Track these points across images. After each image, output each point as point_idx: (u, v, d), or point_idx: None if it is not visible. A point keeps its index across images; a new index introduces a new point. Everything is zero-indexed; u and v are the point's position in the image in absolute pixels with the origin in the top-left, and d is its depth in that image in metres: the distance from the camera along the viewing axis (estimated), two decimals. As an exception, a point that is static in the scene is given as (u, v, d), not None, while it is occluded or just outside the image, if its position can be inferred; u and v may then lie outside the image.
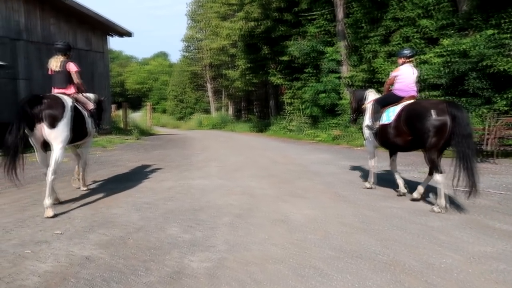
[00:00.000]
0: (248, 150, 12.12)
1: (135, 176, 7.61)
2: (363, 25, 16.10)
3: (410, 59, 5.95)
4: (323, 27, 17.70)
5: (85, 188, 6.52)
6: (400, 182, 6.07)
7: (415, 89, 5.89)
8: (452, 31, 13.74)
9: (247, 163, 9.30)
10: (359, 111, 7.22)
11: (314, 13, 17.76)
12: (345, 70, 16.39)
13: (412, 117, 5.18)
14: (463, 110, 4.88)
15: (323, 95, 16.39)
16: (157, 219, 4.81)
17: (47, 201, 4.90)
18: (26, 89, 13.11)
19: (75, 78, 5.80)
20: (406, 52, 6.01)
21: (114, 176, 7.73)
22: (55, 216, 4.85)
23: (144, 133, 19.47)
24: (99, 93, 8.39)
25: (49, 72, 5.82)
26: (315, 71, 18.07)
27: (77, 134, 5.57)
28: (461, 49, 12.04)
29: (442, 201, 4.96)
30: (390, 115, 5.69)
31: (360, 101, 7.10)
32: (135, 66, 77.58)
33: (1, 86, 12.36)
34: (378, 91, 15.48)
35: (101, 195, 6.07)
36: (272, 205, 5.48)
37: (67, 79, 5.75)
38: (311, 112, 17.18)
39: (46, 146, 5.22)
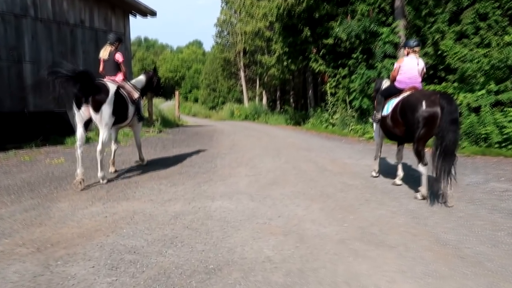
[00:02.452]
0: (287, 150, 9.88)
1: (135, 191, 5.56)
2: (427, 0, 13.34)
3: (415, 50, 5.77)
4: (376, 3, 14.99)
5: (145, 163, 7.41)
6: (400, 174, 6.14)
7: (419, 80, 5.75)
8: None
9: (287, 171, 7.08)
10: None
11: (366, -13, 15.08)
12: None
13: (405, 108, 5.26)
14: (453, 102, 4.85)
15: (376, 84, 13.80)
16: (137, 296, 2.70)
17: (100, 174, 5.93)
18: (33, 73, 11.41)
19: (122, 67, 6.57)
20: (411, 42, 5.86)
21: (108, 188, 5.72)
22: (108, 181, 6.06)
23: (169, 124, 17.63)
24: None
25: (101, 62, 6.60)
26: (364, 56, 15.44)
27: (118, 117, 6.15)
28: None
29: (424, 189, 5.13)
30: (389, 107, 5.73)
31: (378, 90, 6.74)
32: (168, 54, 76.67)
33: (2, 69, 10.71)
34: (445, 79, 12.89)
35: (72, 226, 4.04)
36: (339, 263, 3.24)
37: (115, 68, 6.50)
38: (360, 104, 14.64)
39: (87, 126, 5.90)
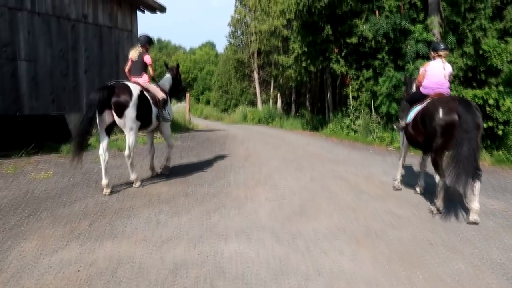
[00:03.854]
0: (310, 162, 8.60)
1: (125, 224, 4.35)
2: (466, -7, 11.92)
3: (440, 54, 5.40)
4: (406, -1, 13.59)
5: (167, 172, 7.01)
6: (422, 183, 5.91)
7: (446, 85, 5.43)
8: None
9: (316, 194, 5.80)
10: None
11: (395, -19, 13.70)
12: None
13: (425, 115, 5.01)
14: (472, 110, 4.55)
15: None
16: None
17: (132, 176, 5.94)
18: (29, 72, 10.34)
19: (150, 69, 6.55)
20: (437, 45, 5.56)
21: (94, 218, 4.51)
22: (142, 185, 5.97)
23: (179, 128, 16.48)
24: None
25: (129, 62, 6.45)
26: (391, 56, 14.07)
27: (143, 122, 5.96)
28: None
29: (439, 202, 4.84)
30: (412, 114, 5.46)
31: (409, 92, 6.41)
32: (181, 55, 76.00)
33: (-5, 68, 9.65)
34: (486, 82, 11.46)
35: (26, 287, 2.84)
36: None
37: (142, 69, 6.36)
38: (388, 109, 13.26)
39: (109, 131, 5.70)
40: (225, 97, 40.92)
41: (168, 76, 7.34)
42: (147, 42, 6.56)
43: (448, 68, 5.46)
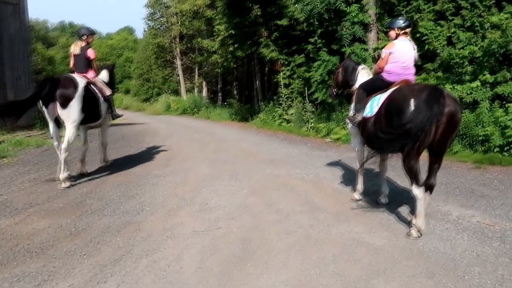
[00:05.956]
0: (245, 165, 7.19)
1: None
2: (402, -28, 11.23)
3: (406, 32, 4.52)
4: (339, -23, 12.60)
5: (108, 164, 7.06)
6: (385, 191, 4.88)
7: (413, 71, 4.56)
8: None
9: (260, 216, 4.37)
10: (345, 88, 5.46)
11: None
12: (374, 39, 11.53)
13: (391, 108, 4.01)
14: (452, 99, 3.72)
15: (342, 73, 11.49)
16: None
17: (61, 175, 5.44)
18: None
19: (94, 64, 6.30)
20: (401, 22, 4.55)
21: None
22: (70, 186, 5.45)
23: (88, 123, 14.05)
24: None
25: (71, 56, 6.23)
26: (324, 40, 13.10)
27: (90, 116, 5.86)
28: None
29: (420, 221, 3.78)
30: (374, 105, 4.41)
31: (350, 79, 5.22)
32: (96, 40, 69.87)
33: None
34: (421, 68, 10.89)
35: None
36: None
37: (86, 64, 6.14)
38: (323, 97, 12.28)
39: (58, 121, 5.57)
40: (147, 86, 37.99)
41: (104, 73, 7.00)
42: (88, 34, 6.23)
43: (416, 48, 4.60)
